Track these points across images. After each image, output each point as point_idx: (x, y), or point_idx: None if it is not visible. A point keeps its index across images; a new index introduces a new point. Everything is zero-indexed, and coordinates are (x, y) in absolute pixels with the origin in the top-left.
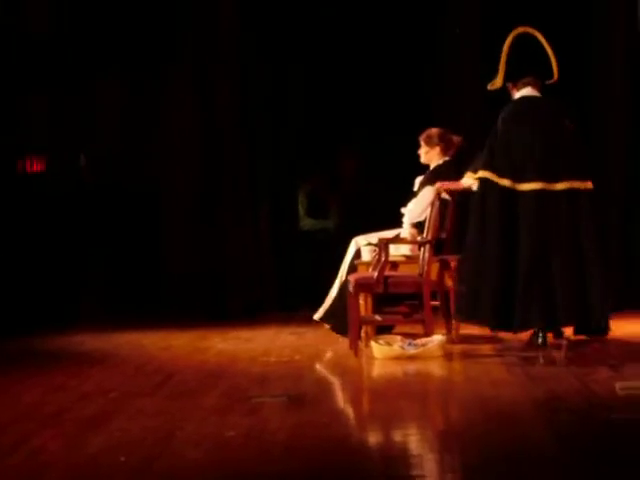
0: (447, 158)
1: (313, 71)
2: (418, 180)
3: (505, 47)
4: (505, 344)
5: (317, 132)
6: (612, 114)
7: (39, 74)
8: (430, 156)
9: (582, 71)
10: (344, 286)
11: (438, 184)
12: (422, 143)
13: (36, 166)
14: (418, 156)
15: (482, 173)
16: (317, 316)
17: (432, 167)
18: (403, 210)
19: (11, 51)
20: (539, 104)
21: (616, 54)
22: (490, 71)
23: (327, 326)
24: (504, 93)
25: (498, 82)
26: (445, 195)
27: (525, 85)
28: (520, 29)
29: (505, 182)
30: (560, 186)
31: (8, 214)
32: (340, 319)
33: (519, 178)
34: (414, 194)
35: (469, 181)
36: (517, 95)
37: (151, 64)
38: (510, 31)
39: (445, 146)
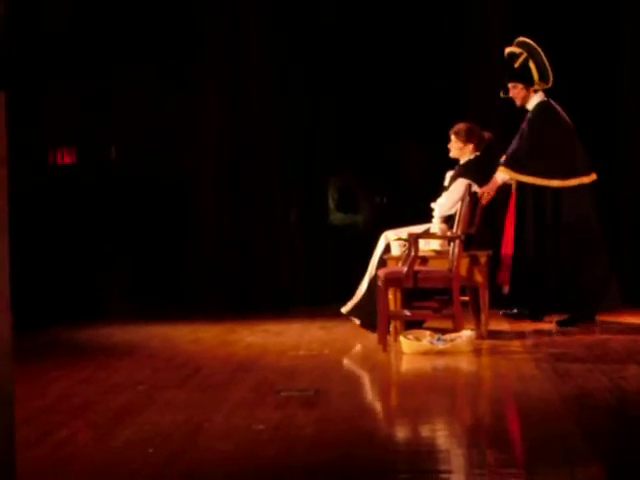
0: (478, 154)
1: (347, 66)
2: (449, 175)
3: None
4: (534, 339)
5: (350, 126)
6: None
7: (69, 67)
8: (463, 151)
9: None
10: (373, 281)
11: (480, 192)
12: (455, 138)
13: (67, 158)
14: (447, 150)
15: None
16: (345, 309)
17: (463, 162)
18: (433, 205)
19: (42, 44)
20: (557, 107)
21: None
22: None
23: (356, 321)
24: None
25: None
26: (476, 189)
27: (537, 90)
28: (523, 39)
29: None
30: (574, 182)
31: (39, 206)
32: (369, 314)
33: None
34: (445, 188)
35: (504, 176)
36: (536, 99)
37: (182, 57)
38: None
39: (478, 142)
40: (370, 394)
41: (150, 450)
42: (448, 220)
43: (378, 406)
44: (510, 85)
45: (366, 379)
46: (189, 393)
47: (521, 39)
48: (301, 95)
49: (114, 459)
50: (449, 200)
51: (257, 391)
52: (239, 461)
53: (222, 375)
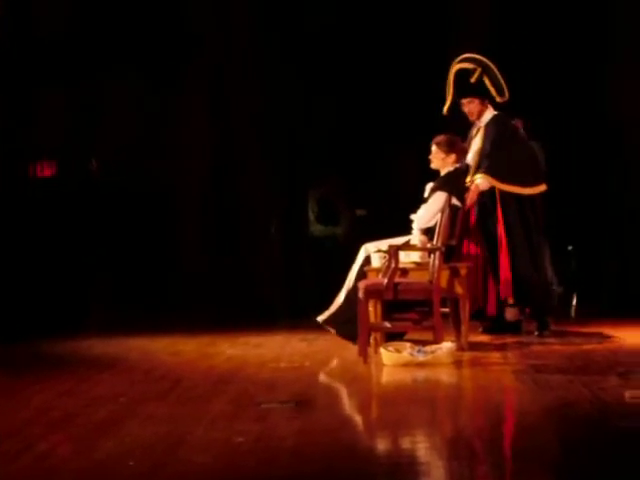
0: (458, 165)
1: (331, 76)
2: (428, 186)
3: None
4: (514, 351)
5: (331, 138)
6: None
7: (50, 78)
8: (445, 162)
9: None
10: (351, 292)
11: (467, 200)
12: (437, 148)
13: (47, 170)
14: (428, 161)
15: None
16: (321, 318)
17: (443, 173)
18: (412, 217)
19: (21, 56)
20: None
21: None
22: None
23: (332, 330)
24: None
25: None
26: (456, 201)
27: (489, 105)
28: (472, 55)
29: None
30: (541, 188)
31: (19, 219)
32: (344, 323)
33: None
34: (424, 200)
35: (485, 183)
36: (489, 113)
37: (163, 67)
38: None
39: (460, 153)
40: (351, 406)
41: (131, 463)
42: (428, 232)
43: (359, 418)
44: (466, 101)
45: (347, 391)
46: (169, 406)
47: (469, 55)
48: (284, 108)
49: (95, 472)
50: (428, 212)
51: (237, 403)
52: (220, 473)
53: (202, 387)
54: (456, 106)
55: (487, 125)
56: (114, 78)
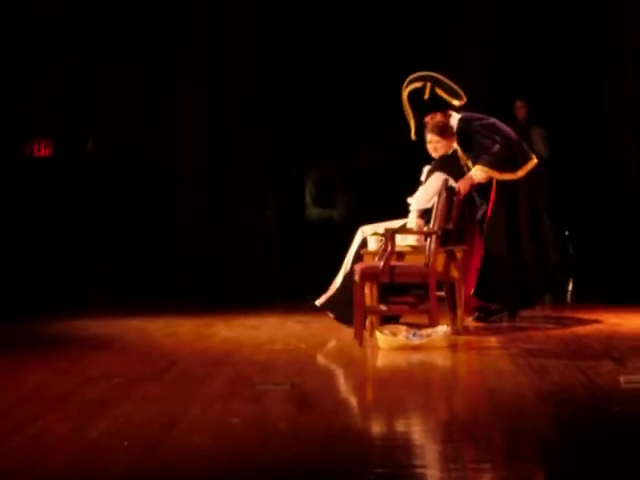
0: (455, 148)
1: (323, 55)
2: (426, 169)
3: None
4: (510, 335)
5: (327, 120)
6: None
7: (45, 58)
8: (443, 148)
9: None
10: (348, 275)
11: (461, 188)
12: (437, 135)
13: (43, 150)
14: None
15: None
16: (319, 302)
17: (439, 156)
18: (409, 200)
19: (17, 35)
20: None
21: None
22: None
23: (331, 315)
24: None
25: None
26: (453, 184)
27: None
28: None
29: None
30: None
31: (15, 198)
32: (342, 308)
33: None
34: (421, 183)
35: (481, 175)
36: (455, 118)
37: (159, 48)
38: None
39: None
40: (346, 389)
41: (125, 443)
42: (425, 215)
43: (354, 401)
44: (428, 118)
45: (342, 374)
46: (165, 386)
47: (414, 75)
48: (280, 87)
49: (89, 451)
50: (425, 194)
51: (233, 384)
52: (214, 454)
53: (198, 368)
54: (422, 128)
55: (461, 127)
56: (109, 57)
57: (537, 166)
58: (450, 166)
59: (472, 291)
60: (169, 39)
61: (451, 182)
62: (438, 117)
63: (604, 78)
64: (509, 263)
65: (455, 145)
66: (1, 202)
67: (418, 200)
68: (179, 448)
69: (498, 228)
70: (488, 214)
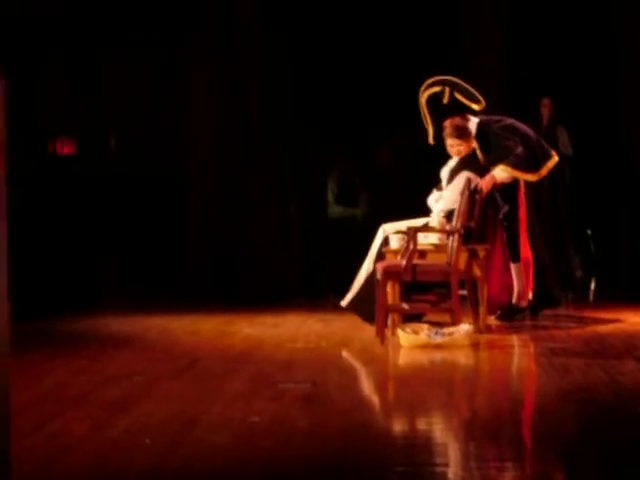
0: (474, 147)
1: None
2: (446, 168)
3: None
4: (532, 334)
5: (347, 117)
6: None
7: (66, 57)
8: (465, 151)
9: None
10: (371, 274)
11: (483, 187)
12: (457, 138)
13: (67, 148)
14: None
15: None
16: (344, 303)
17: (460, 157)
18: (429, 201)
19: (34, 33)
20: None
21: None
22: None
23: (358, 316)
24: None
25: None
26: (476, 181)
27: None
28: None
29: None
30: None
31: (38, 196)
32: (366, 307)
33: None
34: (439, 183)
35: (504, 175)
36: (473, 122)
37: (177, 45)
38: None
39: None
40: (367, 387)
41: (147, 441)
42: (447, 214)
43: (375, 399)
44: (447, 122)
45: (363, 372)
46: (186, 384)
47: (432, 80)
48: (298, 84)
49: (110, 450)
50: (453, 193)
51: (254, 383)
52: (235, 452)
53: (219, 367)
54: (440, 132)
55: (480, 131)
56: (128, 55)
57: (558, 164)
58: (475, 164)
59: (529, 298)
60: (187, 36)
61: (474, 181)
62: (456, 121)
63: (620, 76)
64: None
65: (474, 146)
66: (24, 199)
67: (446, 200)
68: (200, 446)
69: (536, 231)
70: (521, 217)
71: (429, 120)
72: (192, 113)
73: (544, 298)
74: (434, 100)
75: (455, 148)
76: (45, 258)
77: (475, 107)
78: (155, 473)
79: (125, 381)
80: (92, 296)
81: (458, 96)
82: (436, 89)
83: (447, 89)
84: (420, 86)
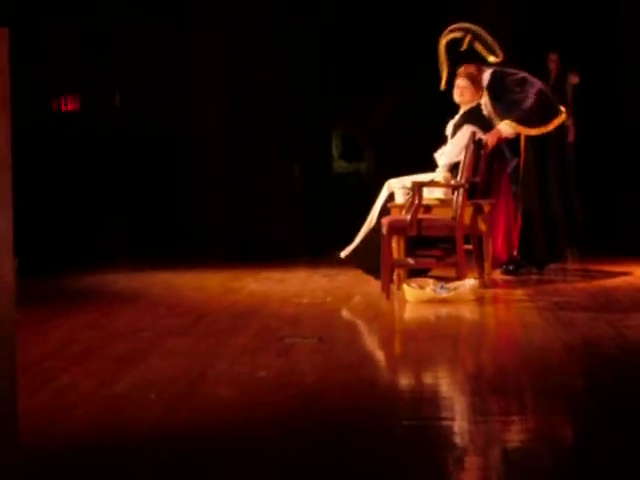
0: (480, 101)
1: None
2: (451, 124)
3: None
4: (537, 288)
5: (350, 73)
6: None
7: (72, 13)
8: (473, 98)
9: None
10: (374, 228)
11: (488, 141)
12: (467, 80)
13: (71, 105)
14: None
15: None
16: (344, 254)
17: (465, 109)
18: (436, 155)
19: None
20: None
21: None
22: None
23: (355, 266)
24: None
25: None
26: (481, 136)
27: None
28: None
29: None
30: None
31: (43, 152)
32: (365, 258)
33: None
34: (445, 137)
35: (509, 130)
36: (487, 73)
37: (183, 4)
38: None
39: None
40: (373, 342)
41: (152, 396)
42: (452, 169)
43: (381, 354)
44: (461, 69)
45: (369, 327)
46: (192, 340)
47: (455, 25)
48: (304, 42)
49: (116, 405)
50: (455, 147)
51: (260, 338)
52: (241, 407)
53: (225, 322)
54: (452, 78)
55: (492, 82)
56: (135, 13)
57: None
58: (478, 119)
59: (515, 251)
60: None
61: (479, 135)
62: (471, 68)
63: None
64: (542, 217)
65: (483, 100)
66: (29, 156)
67: (448, 154)
68: (207, 401)
69: (531, 184)
70: (520, 170)
71: (444, 64)
72: (200, 70)
73: (551, 252)
74: (452, 45)
75: (460, 89)
76: (52, 215)
77: (492, 59)
78: (161, 427)
79: (131, 337)
80: (100, 252)
81: (477, 46)
82: (457, 34)
83: (468, 37)
84: (430, 36)
